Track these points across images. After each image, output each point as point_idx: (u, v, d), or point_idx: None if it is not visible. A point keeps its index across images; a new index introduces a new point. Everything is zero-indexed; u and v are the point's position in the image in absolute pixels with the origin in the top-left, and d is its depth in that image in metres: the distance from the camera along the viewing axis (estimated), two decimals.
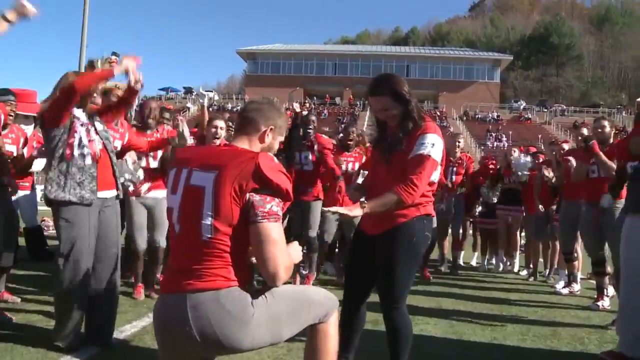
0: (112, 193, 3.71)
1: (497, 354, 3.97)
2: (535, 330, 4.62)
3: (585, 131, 6.31)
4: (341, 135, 7.02)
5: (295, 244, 2.33)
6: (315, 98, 53.28)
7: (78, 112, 3.52)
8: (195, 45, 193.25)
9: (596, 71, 76.06)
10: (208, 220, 2.05)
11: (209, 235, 2.05)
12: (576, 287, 6.59)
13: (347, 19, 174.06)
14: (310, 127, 6.08)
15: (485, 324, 4.78)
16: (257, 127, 2.31)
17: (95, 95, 3.74)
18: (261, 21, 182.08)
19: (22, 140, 5.09)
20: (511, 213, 8.10)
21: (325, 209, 2.82)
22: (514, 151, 8.48)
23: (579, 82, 73.69)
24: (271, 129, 2.33)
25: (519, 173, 7.80)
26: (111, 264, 3.67)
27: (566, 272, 6.83)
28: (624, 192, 4.98)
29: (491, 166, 8.87)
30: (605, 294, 5.64)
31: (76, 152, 3.42)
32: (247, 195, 2.03)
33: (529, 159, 7.86)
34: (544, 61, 75.24)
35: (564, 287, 6.71)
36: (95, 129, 3.60)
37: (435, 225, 3.34)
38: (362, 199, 2.91)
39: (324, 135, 6.39)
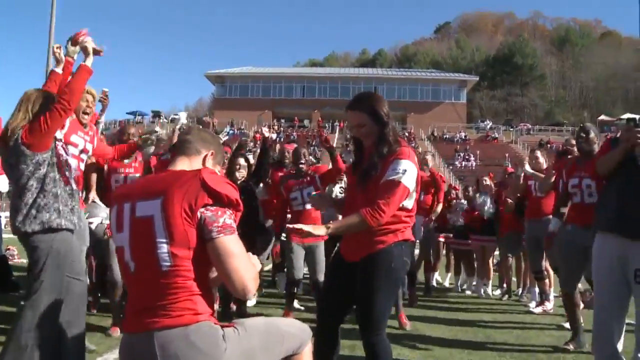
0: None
1: None
2: (512, 352, 4.61)
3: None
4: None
5: (250, 254, 2.20)
6: (283, 121, 53.25)
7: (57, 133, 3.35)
8: (163, 69, 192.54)
9: (559, 90, 77.95)
10: (164, 248, 1.96)
11: (168, 264, 1.95)
12: (549, 305, 6.60)
13: (315, 41, 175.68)
14: (302, 161, 5.73)
15: (462, 347, 4.74)
16: (198, 150, 2.29)
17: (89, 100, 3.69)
18: (229, 44, 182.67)
19: None
20: (484, 243, 8.05)
21: (290, 225, 2.74)
22: (485, 180, 8.46)
23: (542, 101, 75.36)
24: (212, 153, 2.31)
25: (484, 210, 7.90)
26: (81, 295, 3.40)
27: (537, 290, 6.84)
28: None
29: (453, 192, 9.23)
30: (547, 298, 6.14)
31: (72, 175, 3.28)
32: (198, 213, 1.97)
33: (484, 198, 7.97)
34: (509, 81, 76.75)
35: (536, 306, 6.72)
36: (66, 150, 3.45)
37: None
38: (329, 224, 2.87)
39: (321, 165, 6.29)
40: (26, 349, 3.03)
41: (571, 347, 4.70)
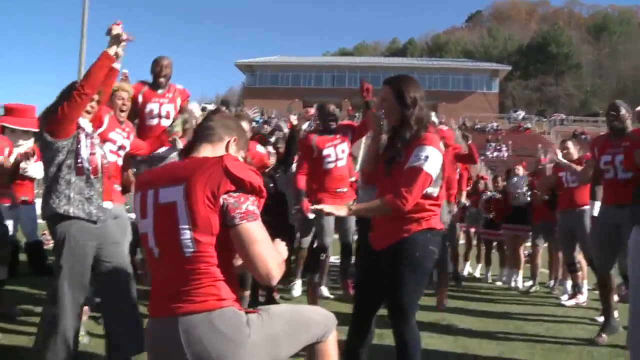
0: (109, 205, 3.58)
1: None
2: (543, 344, 4.53)
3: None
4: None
5: (278, 240, 2.24)
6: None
7: (83, 122, 3.40)
8: (194, 58, 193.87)
9: (595, 80, 76.14)
10: (187, 235, 1.97)
11: (191, 250, 1.97)
12: (582, 298, 6.46)
13: (345, 31, 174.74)
14: (332, 117, 5.52)
15: (492, 337, 4.69)
16: (221, 137, 2.28)
17: (94, 98, 3.62)
18: (260, 34, 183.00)
19: (6, 150, 4.95)
20: (516, 232, 7.90)
21: (312, 207, 2.80)
22: (517, 169, 8.32)
23: (578, 91, 73.74)
24: (235, 139, 2.30)
25: (517, 193, 7.74)
26: (124, 272, 3.49)
27: (570, 283, 6.72)
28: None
29: (482, 183, 9.12)
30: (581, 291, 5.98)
31: (85, 165, 3.28)
32: (221, 199, 1.96)
33: (518, 180, 7.82)
34: (543, 70, 75.29)
35: (569, 298, 6.59)
36: (94, 141, 3.48)
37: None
38: (351, 202, 3.00)
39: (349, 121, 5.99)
40: (51, 335, 3.13)
41: (604, 336, 4.59)
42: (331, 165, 5.38)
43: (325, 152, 5.37)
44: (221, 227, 1.97)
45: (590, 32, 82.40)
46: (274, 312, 2.15)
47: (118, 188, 4.22)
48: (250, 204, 2.00)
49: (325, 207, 2.75)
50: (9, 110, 5.67)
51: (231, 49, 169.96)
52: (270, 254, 2.00)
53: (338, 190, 5.37)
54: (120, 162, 4.29)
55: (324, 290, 6.02)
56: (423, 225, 2.88)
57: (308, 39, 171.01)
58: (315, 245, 5.93)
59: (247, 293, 4.90)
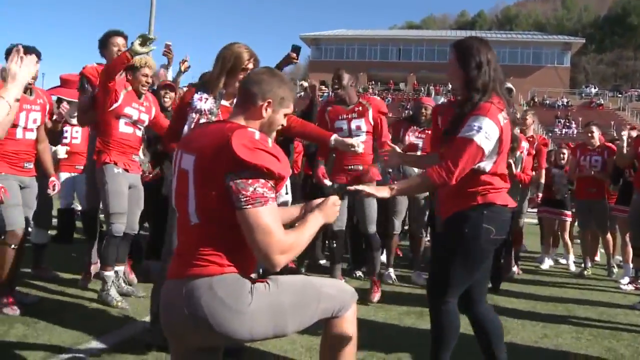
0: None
1: (548, 352, 3.77)
2: (591, 329, 4.34)
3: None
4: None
5: (314, 217, 2.13)
6: (379, 84, 53.01)
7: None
8: (259, 31, 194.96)
9: None
10: (192, 206, 1.98)
11: (196, 221, 1.98)
12: None
13: (413, 3, 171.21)
14: (337, 86, 4.95)
15: (537, 319, 4.53)
16: (254, 101, 2.11)
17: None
18: (325, 7, 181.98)
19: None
20: (556, 216, 7.51)
21: (351, 187, 2.55)
22: (562, 153, 7.77)
23: None
24: (269, 102, 2.11)
25: (557, 187, 7.40)
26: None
27: (632, 266, 6.38)
28: None
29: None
30: None
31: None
32: (226, 178, 1.90)
33: (560, 175, 7.41)
34: (620, 44, 71.59)
35: (629, 282, 6.28)
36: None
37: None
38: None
39: (376, 97, 5.46)
40: None
41: None
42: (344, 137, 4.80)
43: (337, 124, 4.88)
44: (220, 206, 1.93)
45: None
46: (283, 282, 2.08)
47: (136, 158, 4.48)
48: (260, 187, 1.89)
49: (366, 188, 2.52)
50: (65, 82, 5.81)
51: (296, 23, 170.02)
52: (274, 243, 1.89)
53: (351, 167, 4.81)
54: (138, 133, 4.48)
55: (391, 273, 5.82)
56: (478, 200, 2.67)
57: (375, 12, 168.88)
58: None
59: (253, 276, 4.61)
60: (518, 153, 5.22)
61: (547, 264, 7.61)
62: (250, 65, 3.17)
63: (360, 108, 4.88)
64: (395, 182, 2.77)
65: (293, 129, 3.56)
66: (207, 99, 3.22)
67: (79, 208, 6.49)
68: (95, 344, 3.41)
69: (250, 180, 1.88)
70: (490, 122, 2.58)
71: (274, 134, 2.22)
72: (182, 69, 5.96)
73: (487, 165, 2.67)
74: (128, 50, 3.89)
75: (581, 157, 6.97)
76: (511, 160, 5.14)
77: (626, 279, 6.40)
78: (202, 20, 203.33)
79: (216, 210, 1.94)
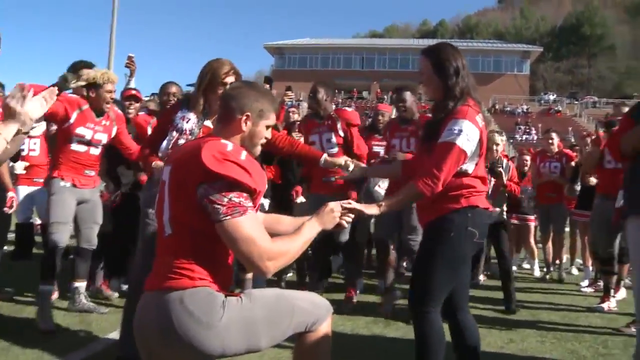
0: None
1: (515, 356, 3.83)
2: (555, 332, 4.43)
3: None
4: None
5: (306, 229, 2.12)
6: (342, 92, 53.27)
7: None
8: (222, 40, 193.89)
9: (630, 62, 74.22)
10: (167, 215, 1.98)
11: (169, 232, 1.98)
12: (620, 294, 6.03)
13: (375, 12, 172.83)
14: (313, 100, 5.00)
15: (503, 324, 4.60)
16: (232, 115, 2.09)
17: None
18: (289, 16, 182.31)
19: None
20: (519, 222, 7.48)
21: (343, 203, 2.34)
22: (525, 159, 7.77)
23: (611, 73, 72.03)
24: (247, 115, 2.08)
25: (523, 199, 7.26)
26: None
27: (592, 269, 6.59)
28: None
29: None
30: (612, 294, 5.35)
31: None
32: (199, 189, 1.89)
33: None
34: (575, 52, 73.63)
35: (589, 285, 6.45)
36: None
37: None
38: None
39: (348, 109, 5.41)
40: None
41: (633, 328, 4.33)
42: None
43: (311, 138, 5.02)
44: (192, 217, 1.92)
45: (627, 12, 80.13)
46: (257, 297, 2.05)
47: (90, 173, 4.30)
48: (235, 197, 1.88)
49: (356, 205, 2.37)
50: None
51: (260, 32, 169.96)
52: (259, 252, 1.89)
53: (324, 179, 4.81)
54: (94, 151, 4.28)
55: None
56: (462, 202, 2.64)
57: (338, 21, 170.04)
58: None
59: (249, 276, 4.73)
60: (505, 162, 5.22)
61: (536, 270, 7.63)
62: (230, 79, 3.15)
63: (330, 122, 4.94)
64: (384, 199, 2.70)
65: (282, 149, 3.56)
66: (189, 119, 3.19)
67: (38, 222, 6.32)
68: None
69: (224, 192, 1.87)
70: (470, 124, 2.57)
71: (259, 147, 2.18)
72: (130, 71, 5.56)
73: (469, 167, 2.66)
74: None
75: (541, 163, 7.15)
76: (501, 169, 5.20)
77: (586, 282, 6.57)
78: (165, 28, 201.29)
79: (188, 221, 1.93)
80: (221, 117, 2.14)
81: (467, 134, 2.55)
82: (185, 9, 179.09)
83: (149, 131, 4.47)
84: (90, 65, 4.42)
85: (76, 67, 4.31)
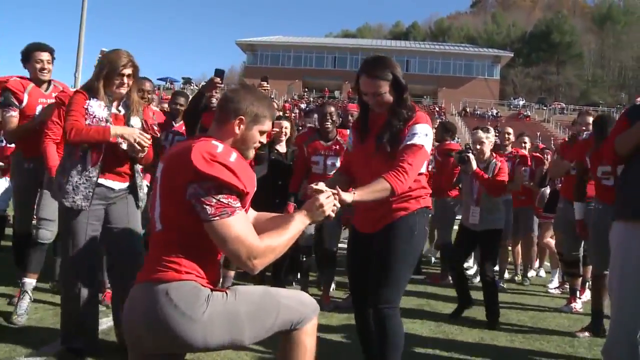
0: None
1: (485, 355, 3.89)
2: (524, 333, 4.54)
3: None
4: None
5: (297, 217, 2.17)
6: (314, 91, 53.11)
7: None
8: (194, 36, 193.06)
9: (596, 70, 75.87)
10: (157, 212, 2.06)
11: (159, 227, 2.05)
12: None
13: (349, 12, 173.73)
14: (328, 122, 5.05)
15: (474, 324, 4.69)
16: (227, 118, 2.14)
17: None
18: (262, 13, 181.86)
19: None
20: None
21: (315, 186, 2.31)
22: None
23: (579, 80, 73.53)
24: (241, 119, 2.13)
25: None
26: None
27: (559, 271, 6.69)
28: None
29: None
30: (578, 296, 5.53)
31: None
32: (188, 188, 1.93)
33: None
34: (545, 59, 75.02)
35: (556, 287, 6.59)
36: None
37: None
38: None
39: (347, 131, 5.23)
40: None
41: (587, 334, 4.48)
42: (318, 171, 5.00)
43: (313, 159, 5.07)
44: (180, 215, 1.98)
45: (594, 21, 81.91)
46: (243, 293, 2.10)
47: None
48: (224, 197, 1.94)
49: (331, 190, 2.31)
50: None
51: (232, 28, 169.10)
52: (246, 251, 1.95)
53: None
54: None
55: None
56: (421, 203, 2.84)
57: (311, 19, 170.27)
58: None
59: (232, 273, 4.87)
60: (493, 160, 5.01)
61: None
62: (127, 71, 3.19)
63: (337, 147, 5.01)
64: (357, 189, 2.62)
65: None
66: (100, 105, 3.17)
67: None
68: (31, 356, 3.25)
69: (212, 193, 1.91)
70: (428, 127, 2.76)
71: (252, 151, 2.21)
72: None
73: (423, 167, 2.84)
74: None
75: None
76: (469, 155, 4.91)
77: (554, 283, 6.70)
78: (136, 22, 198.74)
79: (176, 218, 1.98)
80: (217, 118, 2.18)
81: (430, 137, 2.75)
82: (158, 3, 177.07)
83: (25, 98, 4.16)
84: (44, 48, 4.23)
85: (31, 49, 4.18)
